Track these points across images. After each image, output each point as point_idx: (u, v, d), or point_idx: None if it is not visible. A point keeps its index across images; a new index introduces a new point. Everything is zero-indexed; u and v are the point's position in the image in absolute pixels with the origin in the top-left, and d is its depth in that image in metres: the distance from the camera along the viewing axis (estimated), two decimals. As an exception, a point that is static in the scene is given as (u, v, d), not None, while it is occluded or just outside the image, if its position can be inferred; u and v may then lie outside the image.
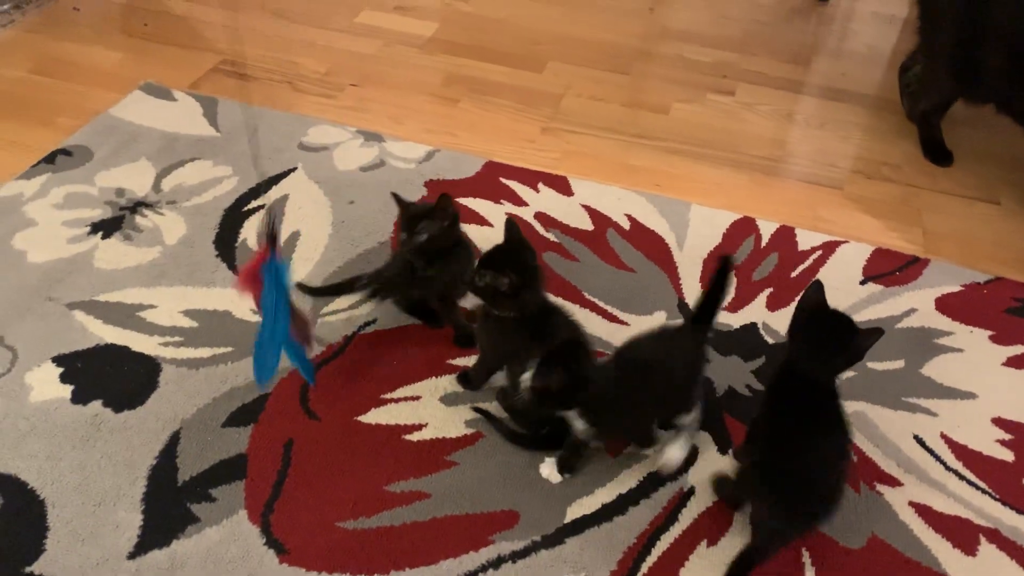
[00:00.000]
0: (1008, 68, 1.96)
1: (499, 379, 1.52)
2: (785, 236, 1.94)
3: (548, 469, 1.43)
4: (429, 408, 1.53)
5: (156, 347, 1.59)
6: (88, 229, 1.85)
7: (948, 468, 1.48)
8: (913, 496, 1.43)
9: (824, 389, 1.28)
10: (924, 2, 2.16)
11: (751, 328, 1.72)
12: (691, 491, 1.42)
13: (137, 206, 1.91)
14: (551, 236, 1.91)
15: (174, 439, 1.45)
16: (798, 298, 1.31)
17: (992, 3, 1.94)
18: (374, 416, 1.51)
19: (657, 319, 1.72)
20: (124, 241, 1.82)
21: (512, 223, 1.43)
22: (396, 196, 1.55)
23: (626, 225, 1.95)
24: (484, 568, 1.30)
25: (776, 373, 1.37)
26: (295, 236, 1.86)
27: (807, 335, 1.29)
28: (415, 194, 1.96)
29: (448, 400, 1.54)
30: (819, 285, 1.29)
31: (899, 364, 1.67)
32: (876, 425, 1.54)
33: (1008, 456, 1.51)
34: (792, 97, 2.48)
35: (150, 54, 2.47)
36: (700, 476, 1.44)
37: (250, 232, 1.85)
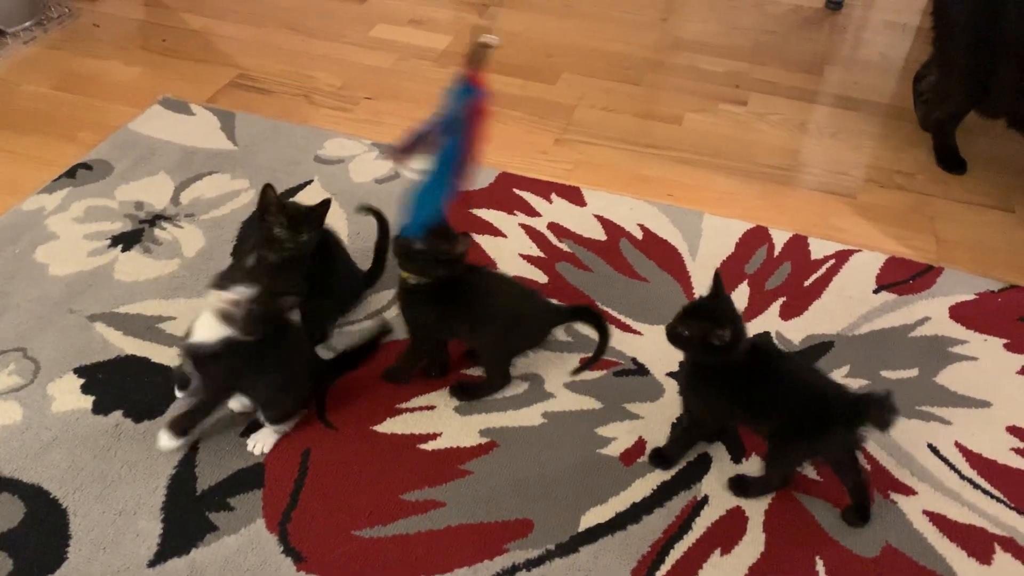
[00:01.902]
0: (1020, 85, 1.97)
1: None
2: (798, 245, 1.95)
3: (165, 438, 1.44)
4: (443, 418, 1.54)
5: (175, 358, 1.61)
6: (108, 242, 1.88)
7: (963, 477, 1.48)
8: (927, 505, 1.43)
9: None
10: (939, 16, 2.17)
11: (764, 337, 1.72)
12: (705, 500, 1.43)
13: (156, 219, 1.94)
14: (564, 246, 1.92)
15: (193, 449, 1.47)
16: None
17: (1005, 20, 1.95)
18: (389, 426, 1.53)
19: (670, 328, 1.73)
20: (144, 254, 1.85)
21: None
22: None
23: (639, 235, 1.96)
24: (499, 576, 1.31)
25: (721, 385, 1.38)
26: (311, 248, 1.87)
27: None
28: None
29: (462, 410, 1.56)
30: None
31: (913, 373, 1.66)
32: (890, 434, 1.53)
33: (1023, 465, 1.51)
34: (804, 107, 2.49)
35: (168, 69, 2.51)
36: (713, 485, 1.45)
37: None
